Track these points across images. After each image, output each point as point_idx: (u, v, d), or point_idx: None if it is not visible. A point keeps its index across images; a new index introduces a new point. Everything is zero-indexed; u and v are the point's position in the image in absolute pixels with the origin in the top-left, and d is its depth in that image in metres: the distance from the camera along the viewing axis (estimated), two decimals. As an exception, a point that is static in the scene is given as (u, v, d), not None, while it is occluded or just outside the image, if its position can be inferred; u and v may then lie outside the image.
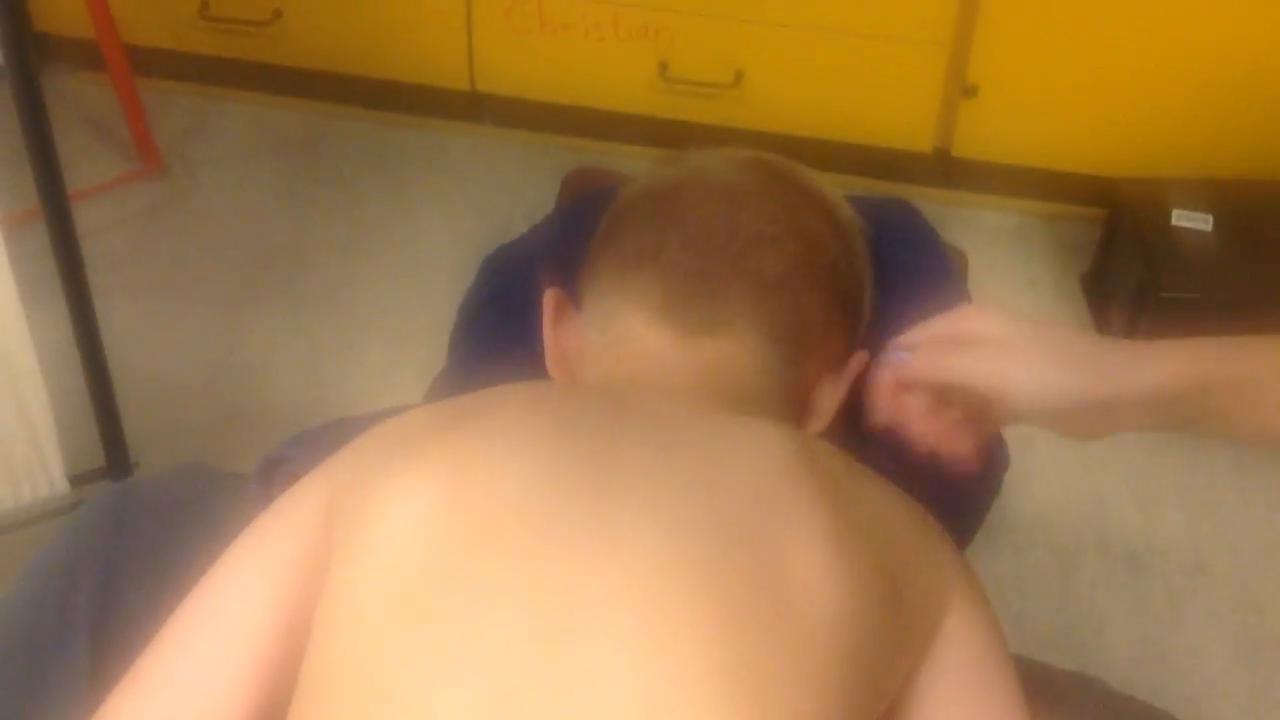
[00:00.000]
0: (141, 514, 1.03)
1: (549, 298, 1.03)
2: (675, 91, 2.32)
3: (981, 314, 0.82)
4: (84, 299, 1.57)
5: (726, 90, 2.29)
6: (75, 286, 1.56)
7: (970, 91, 2.21)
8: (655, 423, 0.86)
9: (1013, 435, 1.00)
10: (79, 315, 1.58)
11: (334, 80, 2.48)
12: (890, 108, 2.28)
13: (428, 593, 0.74)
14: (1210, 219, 2.04)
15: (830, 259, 1.00)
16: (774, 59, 2.26)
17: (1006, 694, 0.83)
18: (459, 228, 2.31)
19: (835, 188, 1.07)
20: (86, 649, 0.93)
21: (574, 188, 1.36)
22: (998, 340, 0.79)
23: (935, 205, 1.54)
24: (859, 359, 0.99)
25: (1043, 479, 1.92)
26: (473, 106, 2.46)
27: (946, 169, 2.33)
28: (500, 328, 1.14)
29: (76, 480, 1.62)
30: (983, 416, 0.84)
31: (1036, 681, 0.86)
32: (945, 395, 0.84)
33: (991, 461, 1.10)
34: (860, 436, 0.98)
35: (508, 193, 2.39)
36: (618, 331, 0.97)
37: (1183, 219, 2.04)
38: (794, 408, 0.97)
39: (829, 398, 0.98)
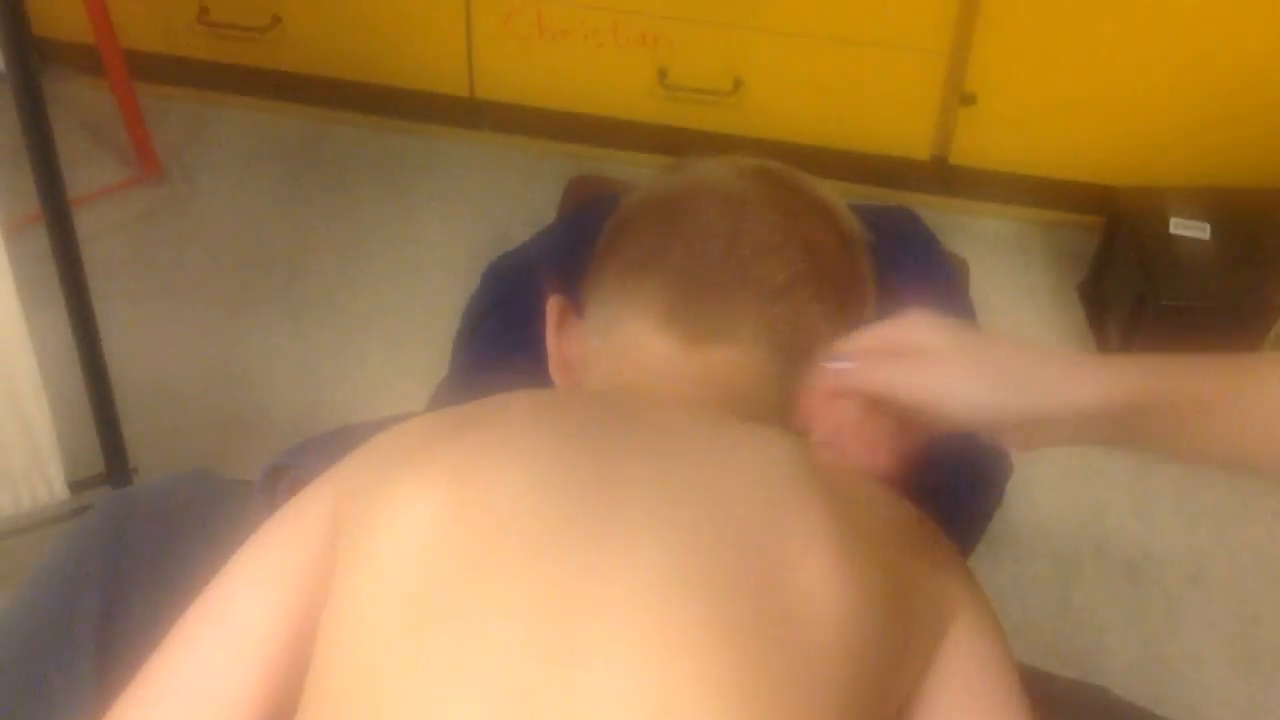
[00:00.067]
0: (144, 521, 1.03)
1: (552, 305, 1.03)
2: (674, 98, 2.32)
3: (918, 324, 0.80)
4: (84, 304, 1.57)
5: (725, 97, 2.30)
6: (75, 291, 1.56)
7: (968, 99, 2.21)
8: (659, 430, 0.86)
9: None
10: (79, 320, 1.58)
11: (333, 86, 2.48)
12: (888, 115, 2.29)
13: (432, 601, 0.74)
14: (1208, 227, 2.04)
15: (833, 267, 1.00)
16: (773, 66, 2.27)
17: (1010, 701, 0.83)
18: (457, 233, 2.31)
19: (837, 195, 1.07)
20: (91, 656, 0.93)
21: (576, 195, 1.36)
22: (932, 352, 0.78)
23: (933, 213, 1.54)
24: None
25: (1042, 488, 1.92)
26: (471, 112, 2.46)
27: (944, 177, 2.33)
28: (503, 335, 1.14)
29: (76, 486, 1.62)
30: (917, 425, 0.83)
31: (1040, 689, 0.86)
32: (879, 404, 0.83)
33: (994, 471, 1.11)
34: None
35: (506, 199, 2.39)
36: (621, 339, 0.97)
37: (1180, 227, 2.04)
38: (797, 416, 0.98)
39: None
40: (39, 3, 2.31)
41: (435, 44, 2.38)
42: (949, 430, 0.77)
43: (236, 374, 2.07)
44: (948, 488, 0.94)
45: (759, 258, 0.97)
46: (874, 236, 1.06)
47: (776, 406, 0.95)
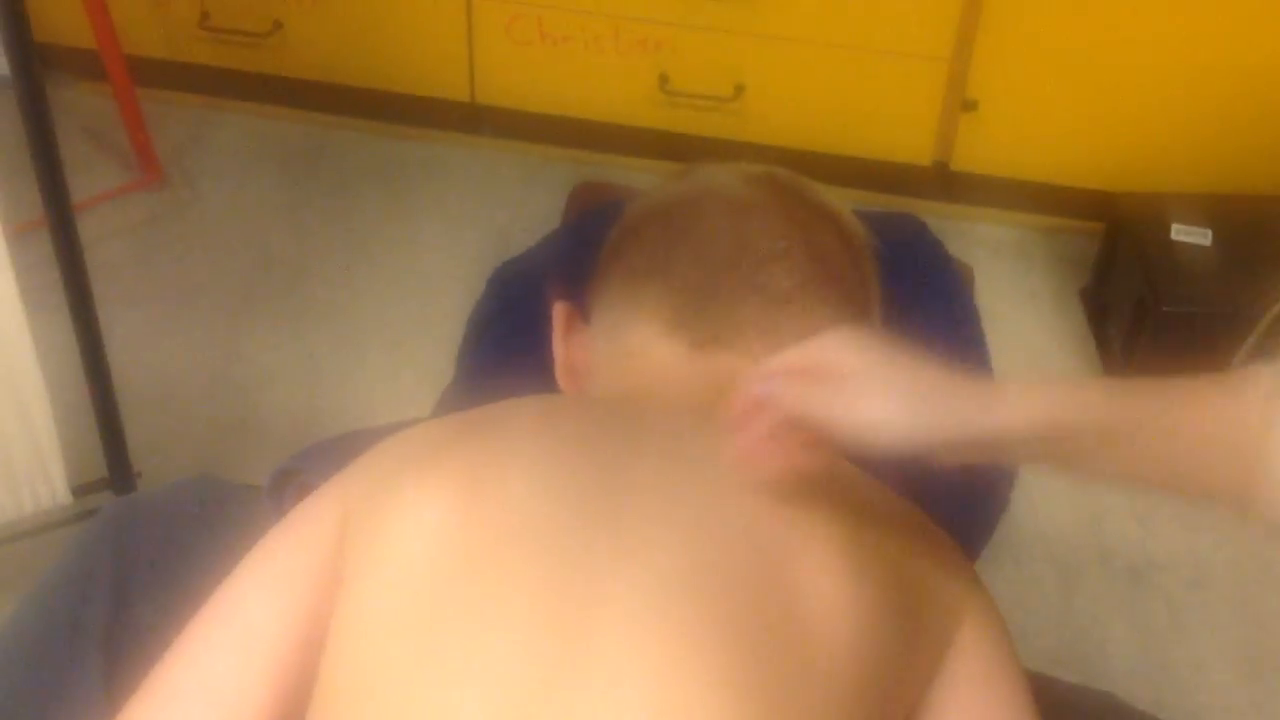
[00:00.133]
0: (151, 526, 1.03)
1: (558, 311, 1.03)
2: (675, 104, 2.32)
3: (836, 346, 0.80)
4: (88, 308, 1.57)
5: (726, 103, 2.30)
6: (79, 296, 1.56)
7: (970, 105, 2.21)
8: (665, 436, 0.86)
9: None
10: (82, 324, 1.58)
11: (334, 91, 2.48)
12: (890, 121, 2.29)
13: (441, 606, 0.74)
14: (1209, 233, 2.04)
15: (839, 273, 1.00)
16: (774, 72, 2.27)
17: (1018, 706, 0.83)
18: (458, 239, 2.31)
19: (843, 202, 1.07)
20: (100, 660, 0.93)
21: (581, 201, 1.36)
22: (850, 375, 0.78)
23: (935, 219, 1.54)
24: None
25: (1044, 494, 1.92)
26: (472, 118, 2.47)
27: (946, 182, 2.33)
28: (509, 341, 1.14)
29: (79, 490, 1.62)
30: (832, 442, 0.83)
31: (1048, 695, 0.86)
32: (797, 421, 0.83)
33: (998, 479, 1.11)
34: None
35: (507, 204, 2.39)
36: (627, 344, 0.97)
37: (1182, 233, 2.04)
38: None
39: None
40: (40, 8, 2.30)
41: (437, 49, 2.38)
42: (865, 451, 0.77)
43: (238, 378, 2.07)
44: (952, 494, 0.94)
45: (765, 264, 0.97)
46: (879, 243, 1.06)
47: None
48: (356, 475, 0.86)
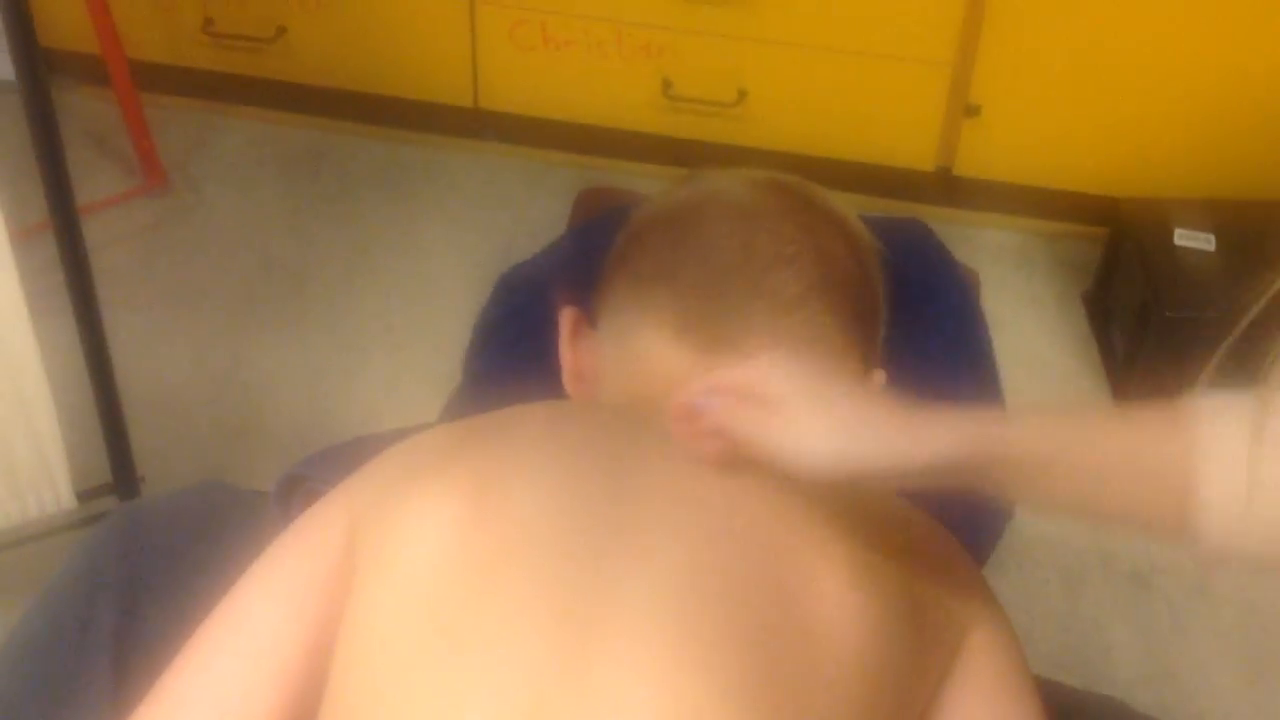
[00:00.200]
0: (158, 531, 1.03)
1: (565, 316, 1.03)
2: (678, 109, 2.33)
3: (771, 373, 0.81)
4: (93, 312, 1.57)
5: (729, 108, 2.30)
6: (84, 300, 1.56)
7: (973, 110, 2.22)
8: (673, 441, 0.86)
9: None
10: (87, 328, 1.58)
11: (337, 96, 2.48)
12: (893, 126, 2.29)
13: (451, 613, 0.74)
14: (1213, 239, 2.04)
15: (847, 279, 1.00)
16: (777, 78, 2.27)
17: (1028, 710, 0.83)
18: (461, 243, 2.32)
19: (849, 207, 1.07)
20: (108, 666, 0.93)
21: (586, 207, 1.36)
22: (782, 401, 0.79)
23: (938, 224, 1.53)
24: (876, 379, 0.99)
25: (1047, 498, 1.92)
26: (476, 123, 2.47)
27: (949, 187, 2.33)
28: (516, 346, 1.14)
29: (83, 495, 1.61)
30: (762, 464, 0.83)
31: (1057, 700, 0.86)
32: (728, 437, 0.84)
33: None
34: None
35: (510, 209, 2.39)
36: (635, 350, 0.97)
37: (1185, 238, 2.05)
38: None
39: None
40: (44, 12, 2.30)
41: (440, 55, 2.38)
42: (794, 477, 0.78)
43: (242, 382, 2.07)
44: (958, 500, 0.94)
45: (772, 269, 0.97)
46: (886, 248, 1.06)
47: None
48: (364, 482, 0.86)
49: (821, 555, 0.78)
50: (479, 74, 2.38)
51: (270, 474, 1.02)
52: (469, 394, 1.16)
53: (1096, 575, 1.86)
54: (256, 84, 2.49)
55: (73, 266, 1.54)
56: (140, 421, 1.73)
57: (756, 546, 0.78)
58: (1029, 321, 2.22)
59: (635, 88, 2.32)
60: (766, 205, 1.01)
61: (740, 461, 0.80)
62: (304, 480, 0.96)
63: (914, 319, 1.09)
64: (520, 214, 2.37)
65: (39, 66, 1.42)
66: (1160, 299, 1.98)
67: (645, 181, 2.23)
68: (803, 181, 1.06)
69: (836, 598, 0.77)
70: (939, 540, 0.89)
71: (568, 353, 1.02)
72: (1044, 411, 0.79)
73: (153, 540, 1.02)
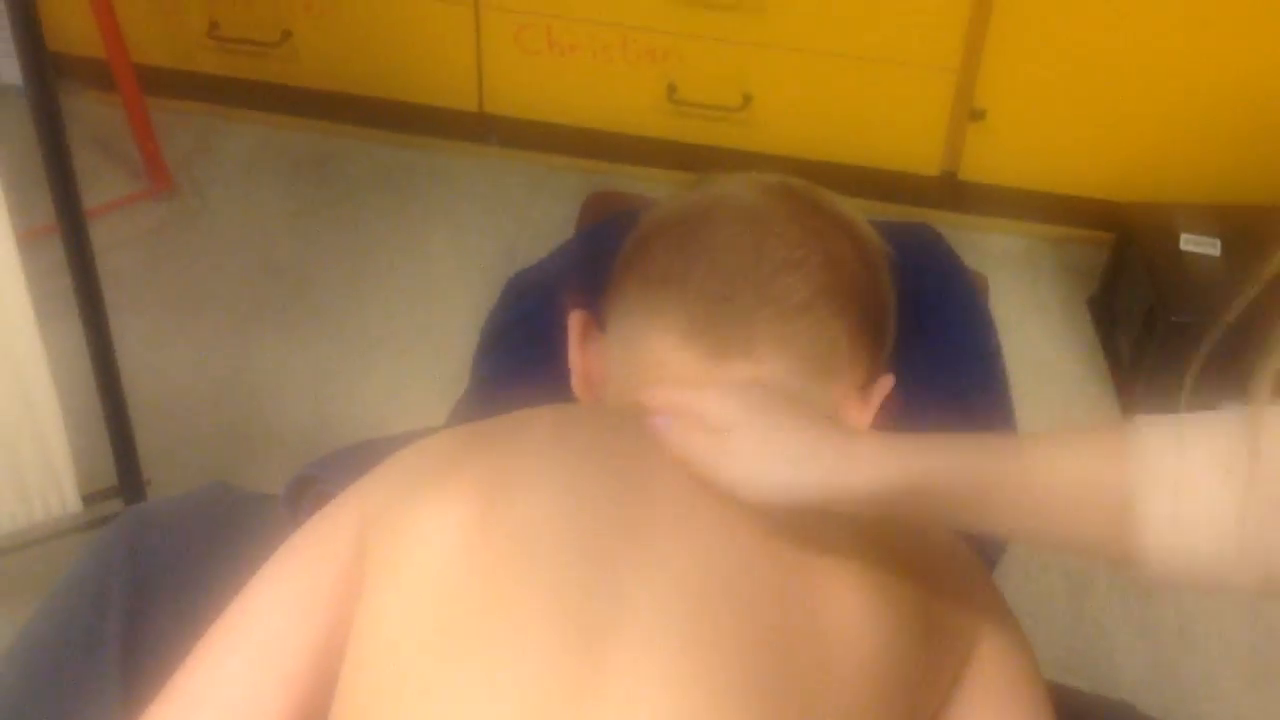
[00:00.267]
0: (166, 534, 1.03)
1: (574, 320, 1.03)
2: (683, 114, 2.33)
3: (723, 400, 0.82)
4: (99, 316, 1.57)
5: (734, 113, 2.30)
6: (90, 303, 1.56)
7: (978, 115, 2.22)
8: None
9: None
10: (93, 331, 1.58)
11: (342, 100, 2.48)
12: (898, 131, 2.29)
13: (460, 617, 0.74)
14: (1218, 244, 2.04)
15: (855, 283, 1.00)
16: (782, 82, 2.27)
17: (1039, 715, 0.83)
18: (466, 248, 2.32)
19: (858, 212, 1.07)
20: (117, 669, 0.93)
21: (594, 211, 1.36)
22: (731, 429, 0.79)
23: (943, 228, 1.53)
24: (884, 383, 0.99)
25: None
26: (480, 127, 2.47)
27: (954, 192, 2.33)
28: (524, 349, 1.14)
29: (89, 498, 1.61)
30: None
31: (1068, 706, 0.86)
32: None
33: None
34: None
35: (514, 213, 2.39)
36: (643, 354, 0.97)
37: (1191, 243, 2.04)
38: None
39: (855, 422, 0.98)
40: (50, 17, 2.30)
41: (445, 59, 2.38)
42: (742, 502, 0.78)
43: (247, 386, 2.07)
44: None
45: (780, 274, 0.97)
46: (895, 253, 1.06)
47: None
48: (374, 485, 0.86)
49: (830, 560, 0.78)
50: (484, 78, 2.39)
51: (275, 477, 1.02)
52: (476, 398, 1.16)
53: (1102, 580, 1.86)
54: (261, 88, 2.49)
55: (79, 270, 1.54)
56: (146, 424, 1.73)
57: (767, 553, 0.78)
58: (1034, 326, 2.22)
59: (640, 92, 2.32)
60: (775, 209, 1.01)
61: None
62: (314, 482, 0.96)
63: (923, 323, 1.09)
64: (525, 218, 2.37)
65: (47, 71, 1.42)
66: (1166, 304, 1.98)
67: (650, 186, 2.24)
68: (811, 185, 1.06)
69: (848, 604, 0.76)
70: (951, 549, 0.89)
71: (576, 356, 1.02)
72: (983, 438, 0.79)
73: (159, 543, 1.02)
